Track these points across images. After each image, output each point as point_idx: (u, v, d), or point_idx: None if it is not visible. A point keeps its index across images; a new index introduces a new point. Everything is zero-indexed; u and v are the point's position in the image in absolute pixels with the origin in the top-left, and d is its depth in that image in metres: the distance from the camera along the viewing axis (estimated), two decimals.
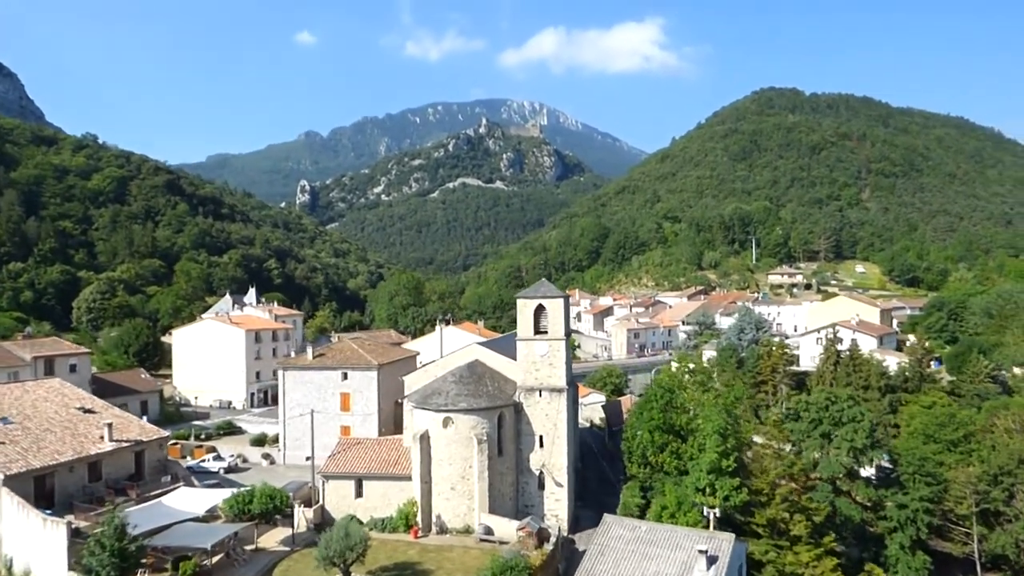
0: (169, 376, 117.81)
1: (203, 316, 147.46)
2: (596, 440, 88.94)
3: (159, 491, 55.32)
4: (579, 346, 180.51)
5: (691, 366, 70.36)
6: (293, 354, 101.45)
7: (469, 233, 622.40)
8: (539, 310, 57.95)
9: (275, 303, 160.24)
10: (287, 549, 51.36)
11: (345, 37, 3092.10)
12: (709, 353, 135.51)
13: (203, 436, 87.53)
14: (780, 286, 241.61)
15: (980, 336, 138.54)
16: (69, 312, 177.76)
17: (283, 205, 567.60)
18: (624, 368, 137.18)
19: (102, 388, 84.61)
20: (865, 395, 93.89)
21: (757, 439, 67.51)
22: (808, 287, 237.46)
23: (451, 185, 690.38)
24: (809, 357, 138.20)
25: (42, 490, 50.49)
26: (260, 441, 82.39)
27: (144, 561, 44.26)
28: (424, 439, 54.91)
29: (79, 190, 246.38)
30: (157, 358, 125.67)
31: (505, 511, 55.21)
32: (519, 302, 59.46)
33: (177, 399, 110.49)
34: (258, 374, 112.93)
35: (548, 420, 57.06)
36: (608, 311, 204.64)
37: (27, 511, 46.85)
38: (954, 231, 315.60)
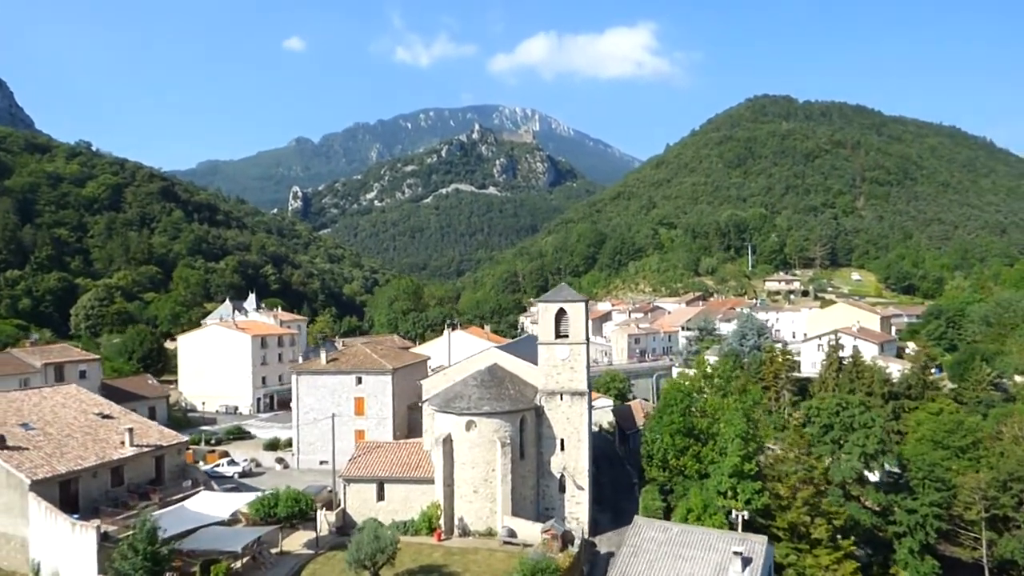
0: (173, 382, 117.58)
1: (205, 322, 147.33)
2: (607, 445, 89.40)
3: (181, 495, 55.33)
4: None
5: (708, 370, 70.50)
6: (301, 359, 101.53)
7: (463, 239, 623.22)
8: (560, 314, 58.35)
9: (278, 308, 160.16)
10: (312, 552, 51.49)
11: (334, 43, 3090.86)
12: (711, 359, 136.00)
13: (213, 441, 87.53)
14: (777, 293, 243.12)
15: (979, 344, 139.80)
16: (67, 319, 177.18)
17: (275, 211, 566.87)
18: (626, 373, 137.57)
19: (111, 394, 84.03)
20: (868, 401, 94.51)
21: (769, 445, 68.26)
22: (805, 294, 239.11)
23: (444, 191, 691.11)
24: (810, 363, 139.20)
25: (67, 495, 50.39)
26: (273, 445, 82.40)
27: (173, 564, 44.45)
28: (447, 442, 55.13)
29: (74, 197, 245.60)
30: (160, 364, 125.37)
31: (526, 514, 55.49)
32: (540, 306, 59.92)
33: (183, 405, 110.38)
34: (264, 379, 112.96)
35: (569, 423, 57.45)
36: (607, 316, 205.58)
37: (55, 516, 46.89)
38: (949, 239, 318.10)
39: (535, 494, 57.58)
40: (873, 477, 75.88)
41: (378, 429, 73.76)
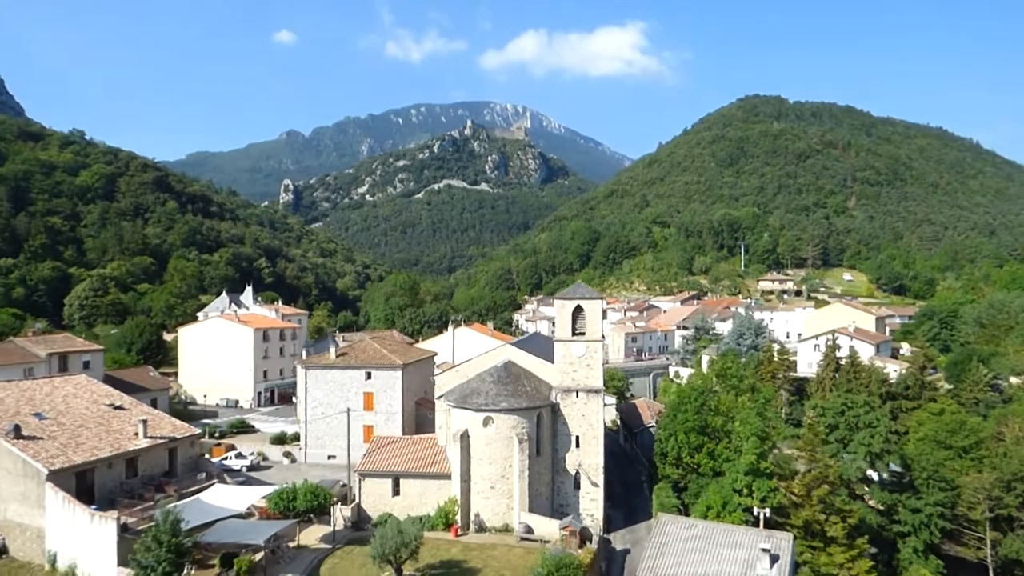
0: (171, 374, 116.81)
1: (205, 313, 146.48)
2: (612, 442, 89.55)
3: (195, 488, 55.24)
4: None
5: (721, 368, 70.89)
6: (305, 354, 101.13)
7: (454, 235, 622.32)
8: (577, 311, 58.56)
9: (278, 302, 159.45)
10: (329, 547, 51.38)
11: (324, 36, 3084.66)
12: (708, 358, 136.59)
13: (217, 434, 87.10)
14: (771, 292, 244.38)
15: (973, 345, 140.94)
16: (60, 309, 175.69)
17: (266, 204, 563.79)
18: (624, 371, 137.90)
19: (114, 386, 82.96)
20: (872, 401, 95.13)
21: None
22: (798, 294, 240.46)
23: (436, 186, 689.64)
24: (806, 363, 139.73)
25: (83, 486, 50.17)
26: (280, 439, 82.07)
27: (194, 557, 44.37)
28: (464, 438, 55.20)
29: (67, 186, 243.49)
30: (160, 356, 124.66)
31: (541, 510, 55.62)
32: (556, 303, 60.08)
33: (183, 397, 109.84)
34: (265, 373, 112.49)
35: (585, 420, 57.68)
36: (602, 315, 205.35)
37: (73, 506, 46.69)
38: (939, 240, 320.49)
39: (550, 491, 57.76)
40: (874, 476, 76.60)
41: (387, 424, 73.65)
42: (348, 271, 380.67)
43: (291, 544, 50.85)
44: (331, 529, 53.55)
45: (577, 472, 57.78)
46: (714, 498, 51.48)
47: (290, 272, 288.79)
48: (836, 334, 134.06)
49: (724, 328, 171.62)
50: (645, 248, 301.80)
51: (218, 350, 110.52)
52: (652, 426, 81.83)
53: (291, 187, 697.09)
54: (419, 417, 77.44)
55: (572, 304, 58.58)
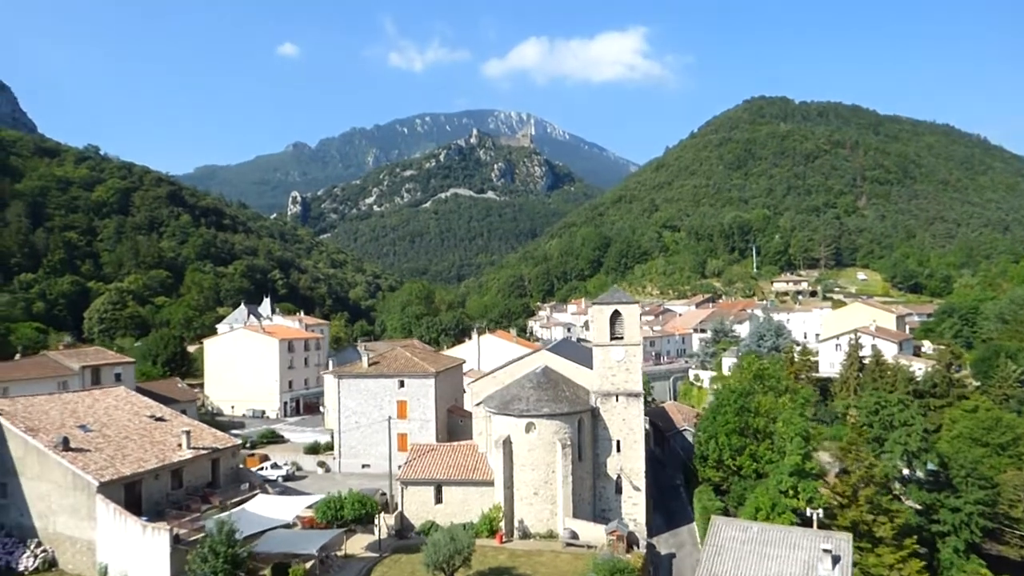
0: (196, 386, 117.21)
1: (231, 326, 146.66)
2: None
3: (239, 498, 55.36)
4: None
5: (758, 369, 70.69)
6: (331, 364, 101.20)
7: (462, 243, 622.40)
8: (615, 316, 58.56)
9: (301, 312, 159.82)
10: (376, 555, 51.46)
11: (327, 49, 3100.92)
12: (729, 360, 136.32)
13: (248, 445, 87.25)
14: (785, 293, 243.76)
15: (995, 342, 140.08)
16: (80, 323, 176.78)
17: (275, 216, 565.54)
18: (644, 375, 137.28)
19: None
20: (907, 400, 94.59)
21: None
22: (813, 294, 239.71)
23: (443, 195, 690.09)
24: (828, 364, 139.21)
25: (131, 497, 50.26)
26: (314, 449, 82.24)
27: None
28: (506, 444, 55.18)
29: (83, 201, 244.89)
30: (184, 368, 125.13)
31: (584, 516, 55.58)
32: (593, 308, 60.14)
33: (210, 409, 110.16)
34: (291, 383, 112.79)
35: (625, 425, 57.64)
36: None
37: (124, 518, 46.77)
38: (953, 237, 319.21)
39: (592, 495, 57.70)
40: (906, 475, 76.11)
41: (421, 432, 73.65)
42: (359, 281, 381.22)
43: (339, 553, 50.92)
44: (375, 538, 53.67)
45: (619, 476, 57.71)
46: (762, 500, 51.28)
47: (303, 283, 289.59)
48: (858, 333, 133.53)
49: (742, 330, 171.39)
50: (656, 252, 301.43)
51: (244, 361, 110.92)
52: (686, 429, 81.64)
53: (299, 199, 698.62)
54: (451, 424, 77.45)
55: (610, 309, 58.61)
